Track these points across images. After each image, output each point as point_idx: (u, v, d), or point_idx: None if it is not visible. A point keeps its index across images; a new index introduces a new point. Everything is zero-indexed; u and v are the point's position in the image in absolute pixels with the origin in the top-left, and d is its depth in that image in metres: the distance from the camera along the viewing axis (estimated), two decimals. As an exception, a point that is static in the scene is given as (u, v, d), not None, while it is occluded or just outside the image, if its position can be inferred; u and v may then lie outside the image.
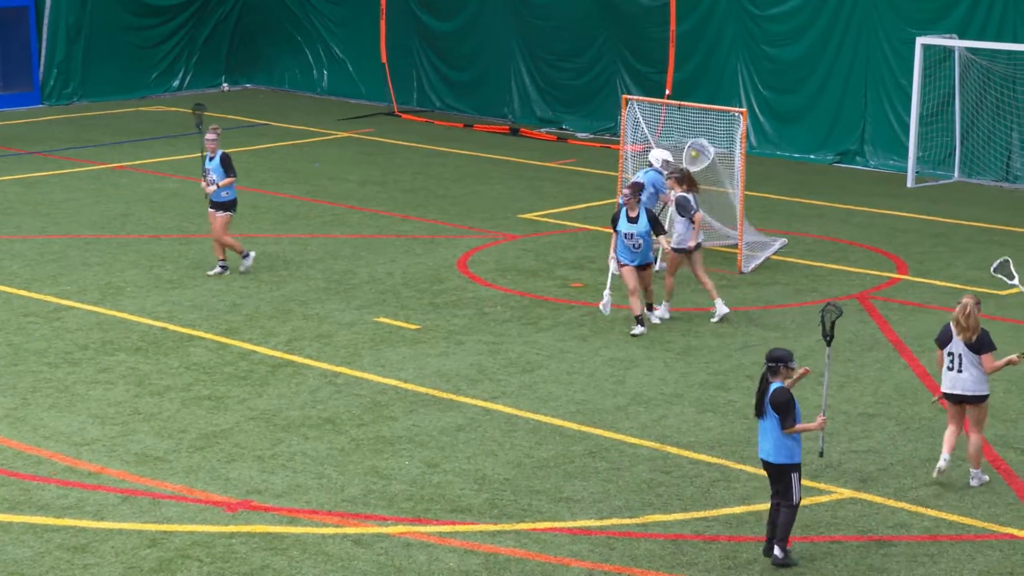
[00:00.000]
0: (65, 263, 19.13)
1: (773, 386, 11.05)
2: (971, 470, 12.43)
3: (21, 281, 18.32)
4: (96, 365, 15.29)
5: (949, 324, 12.43)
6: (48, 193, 23.27)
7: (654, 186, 17.90)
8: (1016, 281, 13.66)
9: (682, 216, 16.99)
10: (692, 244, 16.93)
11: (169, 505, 11.96)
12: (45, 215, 21.81)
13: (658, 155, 18.43)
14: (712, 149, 18.80)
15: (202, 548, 11.19)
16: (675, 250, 17.03)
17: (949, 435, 12.47)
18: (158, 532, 11.46)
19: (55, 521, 11.62)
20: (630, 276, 16.32)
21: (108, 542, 11.26)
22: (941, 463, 12.39)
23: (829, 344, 11.46)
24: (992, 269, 13.75)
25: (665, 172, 17.83)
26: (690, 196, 17.03)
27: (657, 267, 17.83)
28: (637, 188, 16.46)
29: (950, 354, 12.36)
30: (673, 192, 17.19)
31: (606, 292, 16.61)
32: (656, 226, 16.48)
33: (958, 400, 12.42)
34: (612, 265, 16.54)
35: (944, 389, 12.45)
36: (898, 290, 18.39)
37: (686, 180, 17.25)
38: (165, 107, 31.34)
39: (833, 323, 11.39)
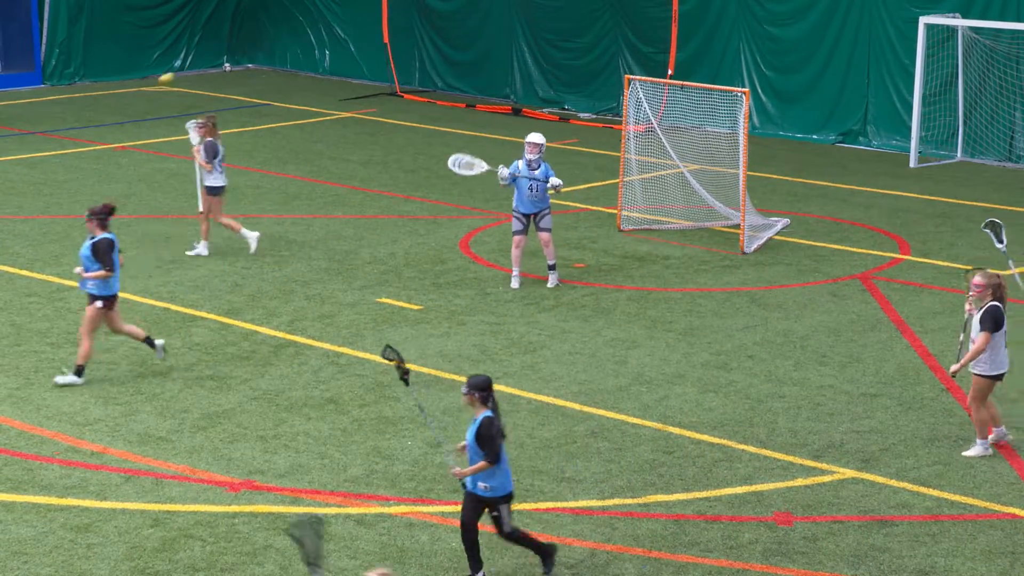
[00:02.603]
0: (67, 243, 19.12)
1: (482, 416, 10.20)
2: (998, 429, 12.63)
3: (24, 261, 18.32)
4: (98, 345, 15.28)
5: (999, 306, 12.35)
6: (50, 173, 23.25)
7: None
8: (1003, 246, 13.91)
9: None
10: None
11: (172, 485, 11.98)
12: (47, 195, 21.80)
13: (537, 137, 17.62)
14: (477, 164, 17.97)
15: (205, 528, 11.21)
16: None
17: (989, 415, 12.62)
18: (161, 512, 11.48)
19: (58, 501, 11.65)
20: None
21: (111, 522, 11.29)
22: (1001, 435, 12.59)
23: (407, 382, 10.48)
24: (982, 225, 14.08)
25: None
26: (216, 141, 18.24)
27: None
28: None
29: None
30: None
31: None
32: None
33: (1000, 379, 12.54)
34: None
35: (1004, 369, 12.43)
36: (900, 270, 18.39)
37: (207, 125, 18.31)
38: (167, 87, 31.26)
39: (400, 368, 10.45)
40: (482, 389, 10.23)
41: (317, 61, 33.02)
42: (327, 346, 15.34)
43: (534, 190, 17.23)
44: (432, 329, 15.91)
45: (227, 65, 33.54)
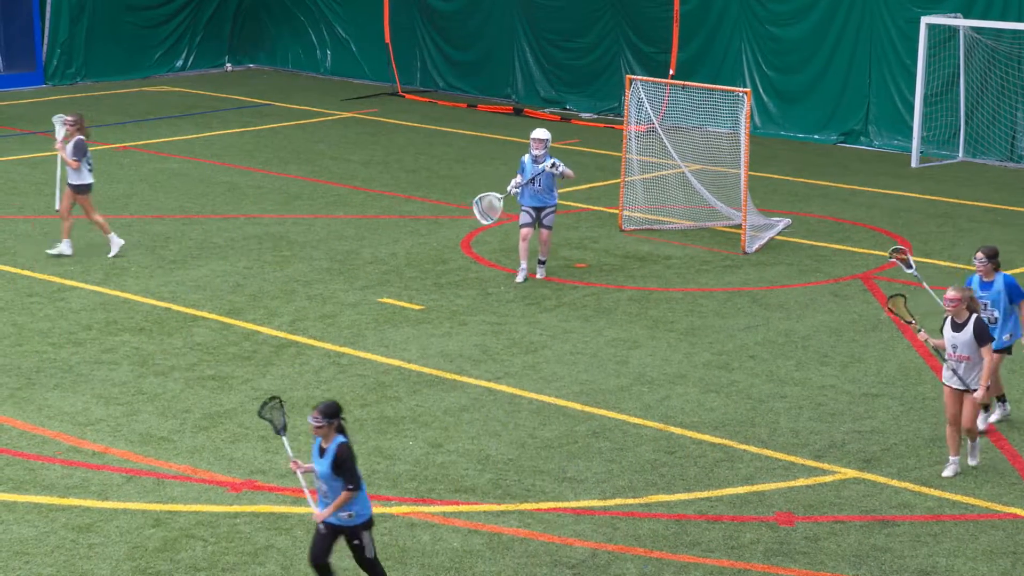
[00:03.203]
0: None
1: (336, 443, 9.69)
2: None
3: (25, 261, 18.32)
4: (100, 345, 15.30)
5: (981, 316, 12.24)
6: (51, 173, 23.22)
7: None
8: (913, 271, 13.84)
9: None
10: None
11: (173, 485, 11.98)
12: (49, 195, 21.79)
13: (541, 133, 17.74)
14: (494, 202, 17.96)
15: (206, 528, 11.21)
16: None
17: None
18: (162, 512, 11.48)
19: (60, 501, 11.65)
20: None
21: (113, 522, 11.29)
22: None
23: (284, 435, 10.06)
24: (888, 253, 13.99)
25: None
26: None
27: None
28: None
29: None
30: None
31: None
32: None
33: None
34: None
35: None
36: (902, 271, 18.35)
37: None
38: (168, 87, 31.29)
39: (272, 420, 10.01)
40: (335, 416, 9.66)
41: (318, 61, 33.03)
42: (328, 346, 15.34)
43: (538, 184, 17.38)
44: (434, 329, 15.91)
45: (228, 65, 33.55)
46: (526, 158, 17.48)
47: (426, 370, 14.66)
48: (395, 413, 13.59)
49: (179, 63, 32.71)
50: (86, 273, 17.82)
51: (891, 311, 12.52)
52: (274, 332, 15.77)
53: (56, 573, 10.50)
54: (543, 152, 17.40)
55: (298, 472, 9.90)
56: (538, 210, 17.55)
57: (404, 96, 30.45)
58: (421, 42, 31.38)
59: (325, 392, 14.06)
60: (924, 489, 12.02)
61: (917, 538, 11.18)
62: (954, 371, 12.14)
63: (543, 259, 17.77)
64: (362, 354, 15.11)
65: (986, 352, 12.04)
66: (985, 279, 13.09)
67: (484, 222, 17.79)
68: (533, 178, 17.37)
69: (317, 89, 31.16)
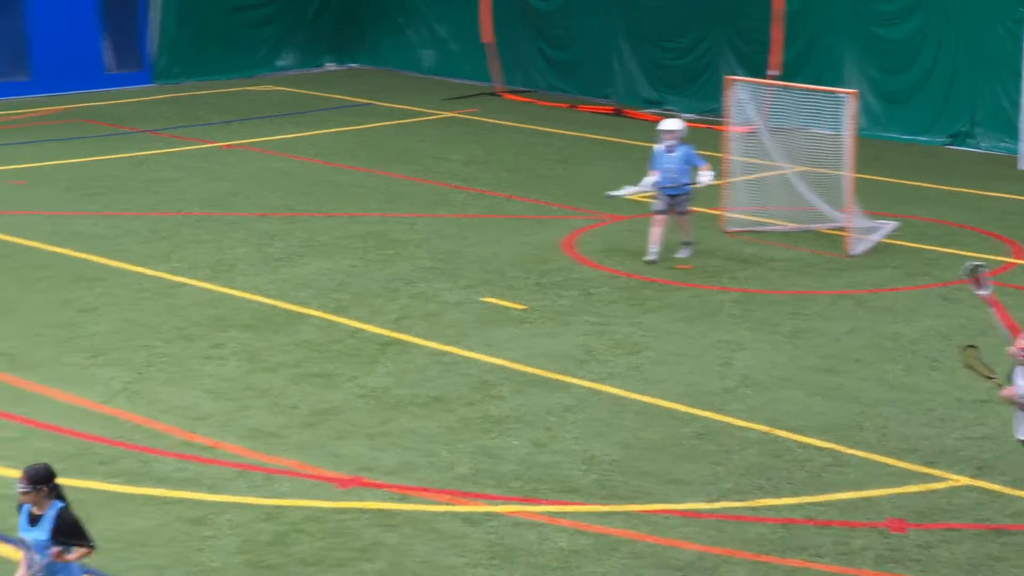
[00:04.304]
0: (176, 240, 19.41)
1: (56, 508, 8.77)
2: None
3: (135, 257, 18.62)
4: (209, 341, 15.51)
5: None
6: (158, 171, 23.62)
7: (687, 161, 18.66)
8: (986, 291, 11.88)
9: None
10: None
11: (282, 480, 12.12)
12: (156, 192, 22.15)
13: (669, 125, 18.70)
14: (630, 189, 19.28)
15: (315, 523, 11.32)
16: None
17: None
18: (272, 506, 11.61)
19: (173, 493, 11.83)
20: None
21: (224, 515, 11.44)
22: None
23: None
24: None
25: None
26: None
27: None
28: None
29: None
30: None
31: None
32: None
33: None
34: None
35: None
36: (1014, 275, 18.08)
37: None
38: (271, 87, 31.64)
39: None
40: (46, 481, 8.69)
41: (419, 61, 33.21)
42: (432, 344, 15.42)
43: (671, 172, 18.40)
44: (537, 329, 15.93)
45: (330, 64, 33.85)
46: (658, 147, 18.48)
47: (530, 370, 14.68)
48: (499, 412, 13.63)
49: (281, 63, 33.06)
50: (194, 270, 18.07)
51: (968, 366, 11.05)
52: (378, 330, 15.89)
53: (171, 564, 10.67)
54: (674, 143, 18.38)
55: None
56: (674, 197, 18.42)
57: (504, 96, 30.51)
58: (521, 42, 31.42)
59: (430, 390, 14.15)
60: (1038, 497, 11.83)
61: (1032, 547, 10.99)
62: None
63: (687, 240, 18.64)
64: (466, 353, 15.16)
65: None
66: None
67: (625, 193, 19.07)
68: (667, 167, 18.32)
69: (417, 89, 31.33)
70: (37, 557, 8.78)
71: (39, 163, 24.03)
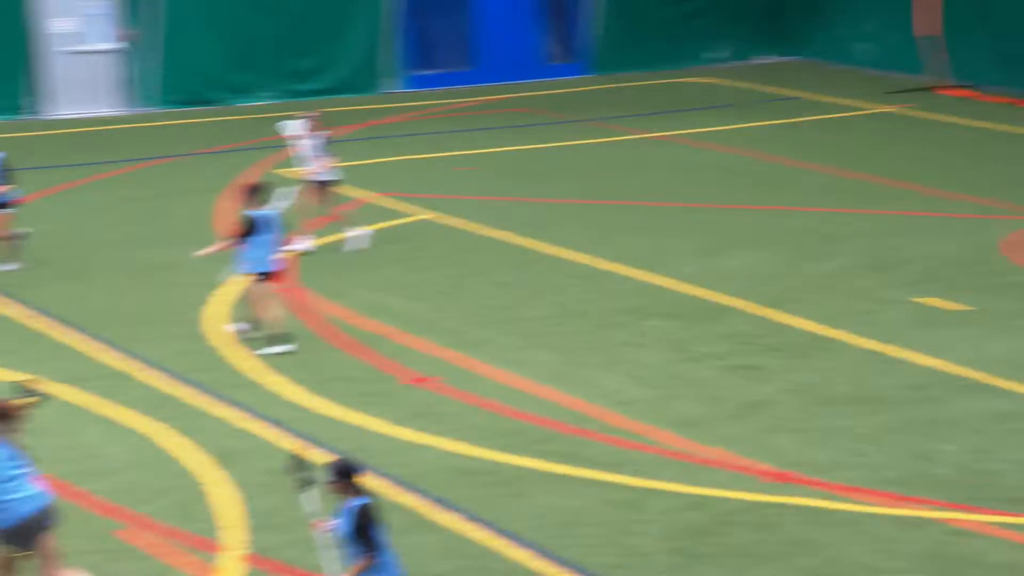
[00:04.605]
0: (607, 228, 19.66)
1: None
2: None
3: (569, 243, 18.91)
4: (634, 329, 15.63)
5: None
6: (592, 160, 24.02)
7: None
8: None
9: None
10: None
11: (709, 470, 12.05)
12: (589, 181, 22.52)
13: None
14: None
15: (744, 515, 11.19)
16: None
17: None
18: (700, 496, 11.56)
19: (603, 476, 11.97)
20: None
21: (652, 501, 11.49)
22: None
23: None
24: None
25: None
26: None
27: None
28: None
29: None
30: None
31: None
32: None
33: None
34: None
35: None
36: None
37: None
38: (701, 79, 31.61)
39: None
40: (341, 476, 8.72)
41: (851, 53, 32.34)
42: (866, 343, 14.95)
43: None
44: (977, 332, 15.17)
45: (760, 57, 33.52)
46: None
47: (970, 374, 14.00)
48: (936, 415, 13.07)
49: (712, 55, 33.00)
50: (624, 258, 18.21)
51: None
52: (809, 326, 15.56)
53: (601, 544, 10.80)
54: None
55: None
56: None
57: (943, 91, 29.30)
58: (966, 35, 30.06)
59: (861, 389, 13.73)
60: None
61: None
62: None
63: None
64: (901, 353, 14.62)
65: None
66: None
67: None
68: None
69: (850, 82, 30.50)
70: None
71: (480, 150, 24.94)
